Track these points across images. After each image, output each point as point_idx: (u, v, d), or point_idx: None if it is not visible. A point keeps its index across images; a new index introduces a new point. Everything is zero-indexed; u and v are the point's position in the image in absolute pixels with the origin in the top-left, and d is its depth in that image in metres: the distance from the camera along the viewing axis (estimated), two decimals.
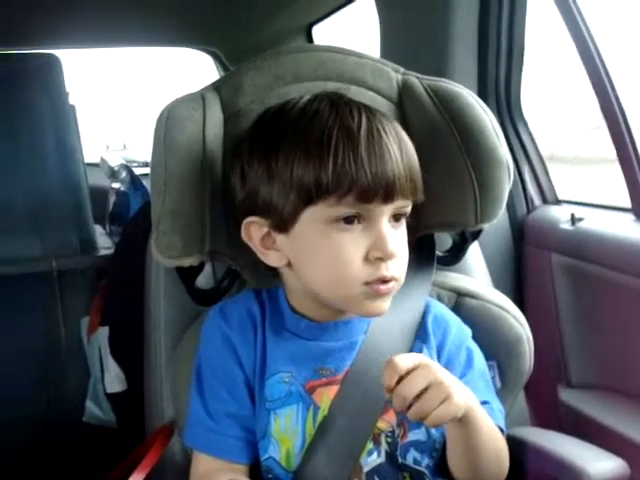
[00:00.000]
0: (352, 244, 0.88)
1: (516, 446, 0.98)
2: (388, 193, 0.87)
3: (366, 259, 0.88)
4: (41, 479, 1.01)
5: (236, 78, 1.05)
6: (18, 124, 1.91)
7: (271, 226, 0.92)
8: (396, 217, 0.91)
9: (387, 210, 0.89)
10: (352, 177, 0.85)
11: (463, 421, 0.87)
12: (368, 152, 0.87)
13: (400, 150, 0.89)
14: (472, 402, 0.88)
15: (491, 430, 0.93)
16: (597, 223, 1.48)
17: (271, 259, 0.95)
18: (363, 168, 0.86)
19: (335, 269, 0.89)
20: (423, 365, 0.83)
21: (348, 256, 0.88)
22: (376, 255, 0.88)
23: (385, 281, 0.89)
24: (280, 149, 0.89)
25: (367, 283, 0.88)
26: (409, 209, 0.93)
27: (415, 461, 0.94)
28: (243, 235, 0.94)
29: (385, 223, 0.89)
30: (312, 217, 0.88)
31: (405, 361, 0.82)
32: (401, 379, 0.81)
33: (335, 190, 0.86)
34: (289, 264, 0.94)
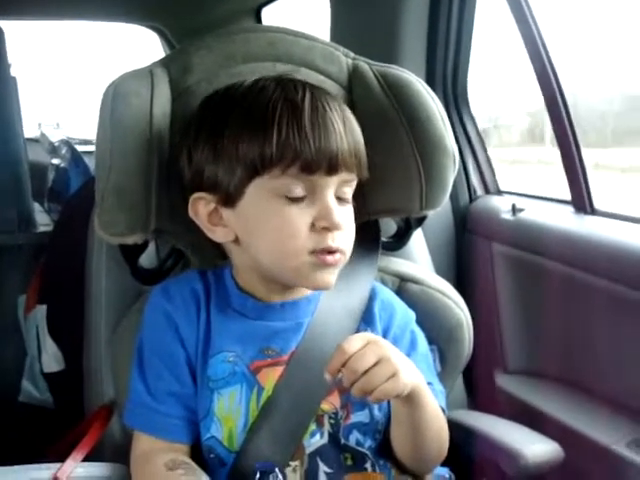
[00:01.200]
0: (298, 214, 0.89)
1: (454, 429, 0.99)
2: (331, 165, 0.89)
3: (312, 229, 0.89)
4: None
5: (186, 56, 1.04)
6: None
7: (218, 202, 0.92)
8: (341, 198, 0.92)
9: (331, 183, 0.90)
10: (296, 148, 0.87)
11: (409, 399, 0.88)
12: (312, 124, 0.88)
13: (344, 125, 0.91)
14: (419, 381, 0.89)
15: (435, 410, 0.94)
16: (537, 214, 1.51)
17: (218, 235, 0.95)
18: (307, 140, 0.87)
19: (282, 240, 0.90)
20: (372, 342, 0.85)
21: (294, 226, 0.89)
22: (322, 224, 0.89)
23: (331, 252, 0.90)
24: (226, 128, 0.90)
25: (313, 252, 0.89)
26: (353, 184, 0.94)
27: (358, 442, 0.95)
28: (190, 212, 0.94)
29: (331, 195, 0.90)
30: (258, 190, 0.90)
31: (354, 342, 0.84)
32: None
33: (279, 162, 0.87)
34: (236, 240, 0.94)
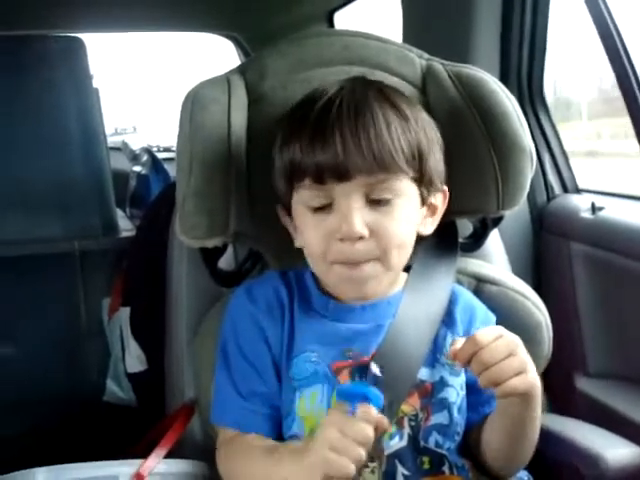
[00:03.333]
0: (316, 225, 0.91)
1: None
2: (338, 172, 0.88)
3: (333, 237, 0.90)
4: (62, 457, 1.03)
5: (261, 62, 1.06)
6: (42, 106, 1.92)
7: (285, 211, 0.97)
8: (375, 199, 0.90)
9: (350, 189, 0.89)
10: (301, 160, 0.90)
11: (528, 398, 0.88)
12: (314, 132, 0.89)
13: (366, 125, 0.89)
14: (538, 384, 0.89)
15: (539, 417, 0.94)
16: (617, 212, 1.47)
17: (296, 241, 0.98)
18: (307, 147, 0.89)
19: (308, 249, 0.94)
20: (505, 336, 0.85)
21: (312, 236, 0.92)
22: (337, 236, 0.89)
23: (355, 263, 0.90)
24: (281, 135, 0.95)
25: (334, 263, 0.91)
26: (397, 184, 0.91)
27: (437, 444, 0.95)
28: (281, 218, 0.99)
29: (351, 203, 0.89)
30: (296, 202, 0.94)
31: (487, 335, 0.85)
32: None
33: (297, 175, 0.91)
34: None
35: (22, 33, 2.18)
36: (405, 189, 0.92)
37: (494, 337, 0.84)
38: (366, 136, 0.88)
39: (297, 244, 0.98)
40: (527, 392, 0.86)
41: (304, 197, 0.91)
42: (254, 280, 1.06)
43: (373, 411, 0.80)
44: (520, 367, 0.84)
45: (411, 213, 0.94)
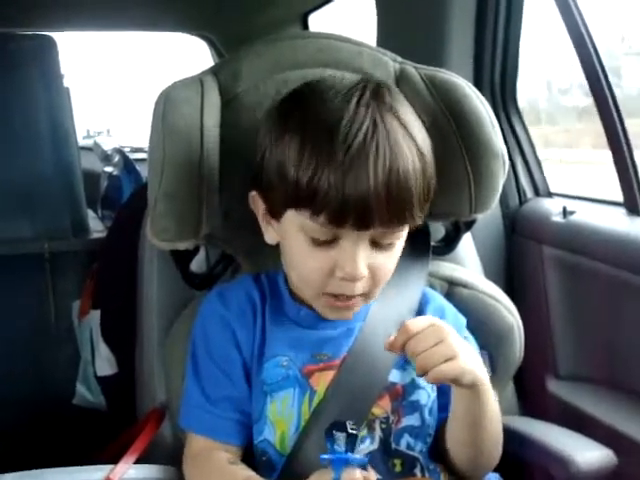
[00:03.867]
0: (319, 258, 0.88)
1: (505, 435, 0.98)
2: (361, 220, 0.84)
3: (332, 273, 0.88)
4: (30, 461, 1.01)
5: (234, 63, 1.05)
6: (12, 105, 1.90)
7: (266, 209, 0.93)
8: (379, 243, 0.88)
9: (362, 236, 0.86)
10: (325, 195, 0.82)
11: (471, 391, 0.88)
12: (345, 168, 0.82)
13: (397, 159, 0.83)
14: (481, 375, 0.89)
15: (495, 410, 0.94)
16: (589, 216, 1.48)
17: (267, 235, 0.96)
18: (336, 187, 0.82)
19: (302, 274, 0.91)
20: (435, 325, 0.86)
21: (313, 269, 0.89)
22: (339, 275, 0.87)
23: (349, 297, 0.90)
24: (285, 134, 0.87)
25: (325, 294, 0.90)
26: (401, 233, 0.90)
27: (409, 446, 0.95)
28: (250, 203, 0.95)
29: (360, 247, 0.86)
30: (291, 219, 0.88)
31: (418, 323, 0.85)
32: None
33: (308, 205, 0.84)
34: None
35: None
36: (406, 229, 0.91)
37: (424, 325, 0.85)
38: (396, 188, 0.83)
39: (268, 240, 0.96)
40: (461, 380, 0.86)
41: (307, 227, 0.86)
42: (227, 284, 1.05)
43: (358, 473, 0.80)
44: (449, 354, 0.84)
45: (402, 245, 0.93)
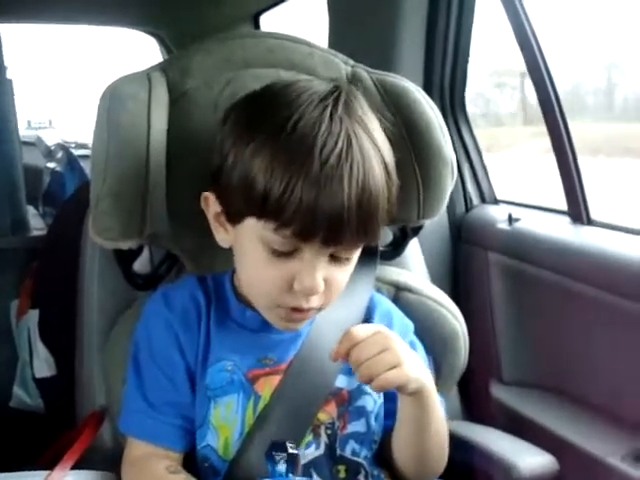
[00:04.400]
0: (277, 270, 0.85)
1: (449, 440, 0.98)
2: (328, 240, 0.83)
3: (289, 286, 0.86)
4: None
5: (184, 60, 1.03)
6: None
7: (223, 211, 0.90)
8: (337, 257, 0.86)
9: (324, 250, 0.85)
10: (294, 210, 0.80)
11: (417, 397, 0.88)
12: (320, 183, 0.80)
13: (367, 177, 0.82)
14: (427, 381, 0.89)
15: (441, 416, 0.94)
16: (534, 224, 1.50)
17: (220, 237, 0.93)
18: (308, 203, 0.80)
19: (257, 284, 0.89)
20: (380, 333, 0.85)
21: (269, 280, 0.86)
22: (297, 288, 0.86)
23: (302, 310, 0.88)
24: (250, 142, 0.84)
25: (279, 306, 0.89)
26: (359, 250, 0.89)
27: (354, 452, 0.95)
28: (202, 203, 0.92)
29: (319, 262, 0.85)
30: (250, 228, 0.86)
31: (362, 330, 0.85)
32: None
33: (274, 218, 0.82)
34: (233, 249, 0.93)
35: None
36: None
37: (368, 333, 0.85)
38: (367, 205, 0.82)
39: (221, 243, 0.93)
40: (406, 387, 0.85)
41: (268, 237, 0.83)
42: (171, 285, 1.03)
43: None
44: (393, 361, 0.83)
45: (356, 259, 0.91)
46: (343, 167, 0.81)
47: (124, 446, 0.97)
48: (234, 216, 0.88)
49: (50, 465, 0.99)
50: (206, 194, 0.91)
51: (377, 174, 0.84)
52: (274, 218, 0.82)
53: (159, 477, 0.90)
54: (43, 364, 1.70)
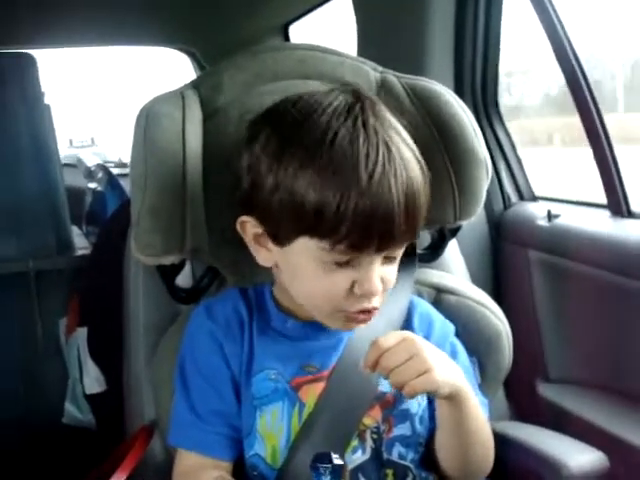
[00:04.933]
0: (338, 279, 0.87)
1: (496, 440, 0.98)
2: (382, 245, 0.85)
3: (350, 292, 0.87)
4: None
5: (215, 76, 1.05)
6: None
7: (266, 233, 0.90)
8: (388, 257, 0.88)
9: (379, 254, 0.87)
10: (351, 223, 0.82)
11: (453, 401, 0.88)
12: (370, 194, 0.82)
13: (407, 190, 0.84)
14: (461, 384, 0.89)
15: (480, 417, 0.94)
16: (573, 219, 1.49)
17: (261, 257, 0.93)
18: (363, 214, 0.82)
19: (319, 298, 0.90)
20: (408, 339, 0.85)
21: (333, 291, 0.88)
22: (359, 293, 0.87)
23: (365, 311, 0.90)
24: (293, 161, 0.84)
25: (342, 311, 0.89)
26: (402, 250, 0.91)
27: (400, 456, 0.95)
28: (238, 227, 0.93)
29: (375, 265, 0.87)
30: (305, 247, 0.86)
31: (389, 339, 0.85)
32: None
33: (330, 234, 0.83)
34: (277, 266, 0.93)
35: None
36: None
37: (395, 341, 0.85)
38: (413, 207, 0.85)
39: (263, 263, 0.94)
40: (438, 393, 0.86)
41: (323, 255, 0.85)
42: (214, 298, 1.04)
43: None
44: (422, 368, 0.83)
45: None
46: (389, 173, 0.83)
47: (174, 459, 0.99)
48: (283, 238, 0.88)
49: None
50: (242, 218, 0.91)
51: (417, 174, 0.86)
52: (329, 234, 0.83)
53: None
54: (93, 381, 1.73)
